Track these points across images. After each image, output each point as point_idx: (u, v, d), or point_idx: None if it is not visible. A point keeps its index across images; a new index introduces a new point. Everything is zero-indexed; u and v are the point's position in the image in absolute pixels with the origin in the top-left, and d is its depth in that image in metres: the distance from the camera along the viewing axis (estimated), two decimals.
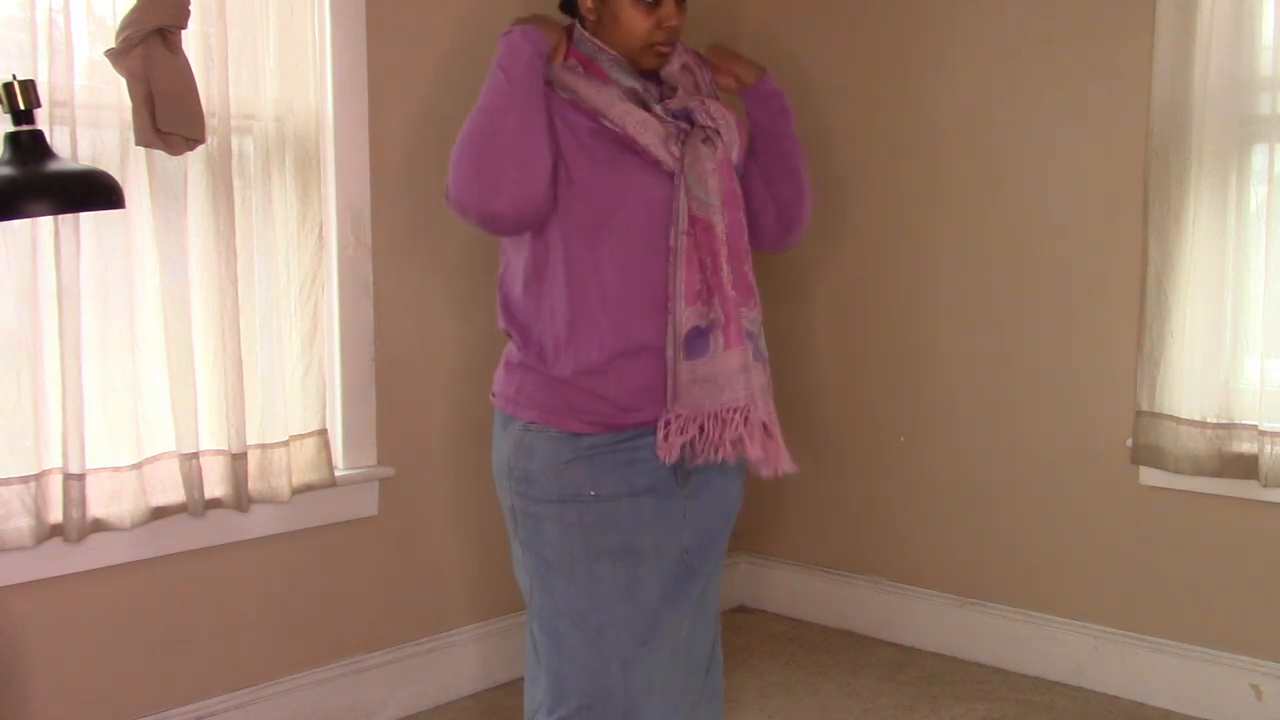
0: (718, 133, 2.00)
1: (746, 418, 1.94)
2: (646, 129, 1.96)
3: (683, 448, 1.95)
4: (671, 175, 1.97)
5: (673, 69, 2.10)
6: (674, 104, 2.02)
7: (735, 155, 2.04)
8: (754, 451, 1.96)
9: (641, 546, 2.00)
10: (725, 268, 1.94)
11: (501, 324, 2.08)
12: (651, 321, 1.97)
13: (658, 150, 1.97)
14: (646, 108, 1.99)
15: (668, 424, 1.95)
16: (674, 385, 1.94)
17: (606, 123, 1.96)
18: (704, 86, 2.12)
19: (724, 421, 1.94)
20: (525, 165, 1.91)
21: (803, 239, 2.26)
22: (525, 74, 1.93)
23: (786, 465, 1.99)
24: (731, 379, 1.93)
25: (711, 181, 1.96)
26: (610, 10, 2.00)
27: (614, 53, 2.02)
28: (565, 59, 2.02)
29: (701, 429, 1.94)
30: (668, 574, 2.03)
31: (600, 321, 1.96)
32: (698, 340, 1.94)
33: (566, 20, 2.09)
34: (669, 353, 1.95)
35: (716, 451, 1.94)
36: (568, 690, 2.00)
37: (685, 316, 1.94)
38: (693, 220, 1.95)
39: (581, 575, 1.99)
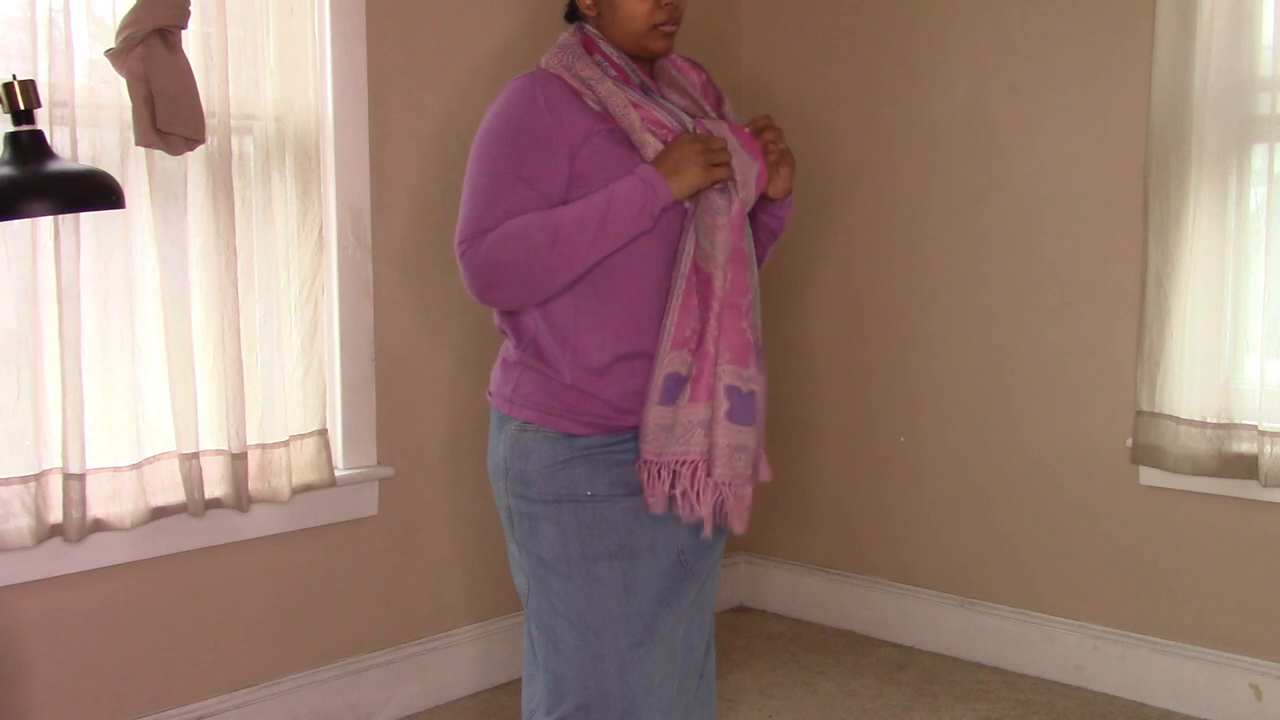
0: (735, 183, 1.96)
1: (694, 473, 1.93)
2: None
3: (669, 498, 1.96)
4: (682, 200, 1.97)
5: (683, 81, 2.08)
6: (706, 128, 1.99)
7: (749, 203, 2.00)
8: (700, 510, 1.94)
9: (638, 547, 1.99)
10: (713, 324, 1.93)
11: (497, 321, 2.08)
12: (653, 328, 1.96)
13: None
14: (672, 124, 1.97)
15: (644, 469, 1.95)
16: (643, 425, 1.94)
17: (633, 137, 1.95)
18: (710, 109, 2.08)
19: (674, 474, 1.94)
20: (550, 293, 1.94)
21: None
22: (626, 234, 1.91)
23: (738, 525, 1.99)
24: (689, 431, 1.92)
25: (720, 236, 1.94)
26: (608, 1, 1.99)
27: (624, 54, 2.00)
28: (591, 55, 2.00)
29: (657, 474, 1.94)
30: (664, 575, 2.03)
31: (602, 324, 1.96)
32: (673, 387, 1.94)
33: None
34: (649, 393, 1.95)
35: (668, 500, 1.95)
36: (565, 690, 2.00)
37: (668, 360, 1.94)
38: (695, 269, 1.94)
39: (578, 576, 1.99)
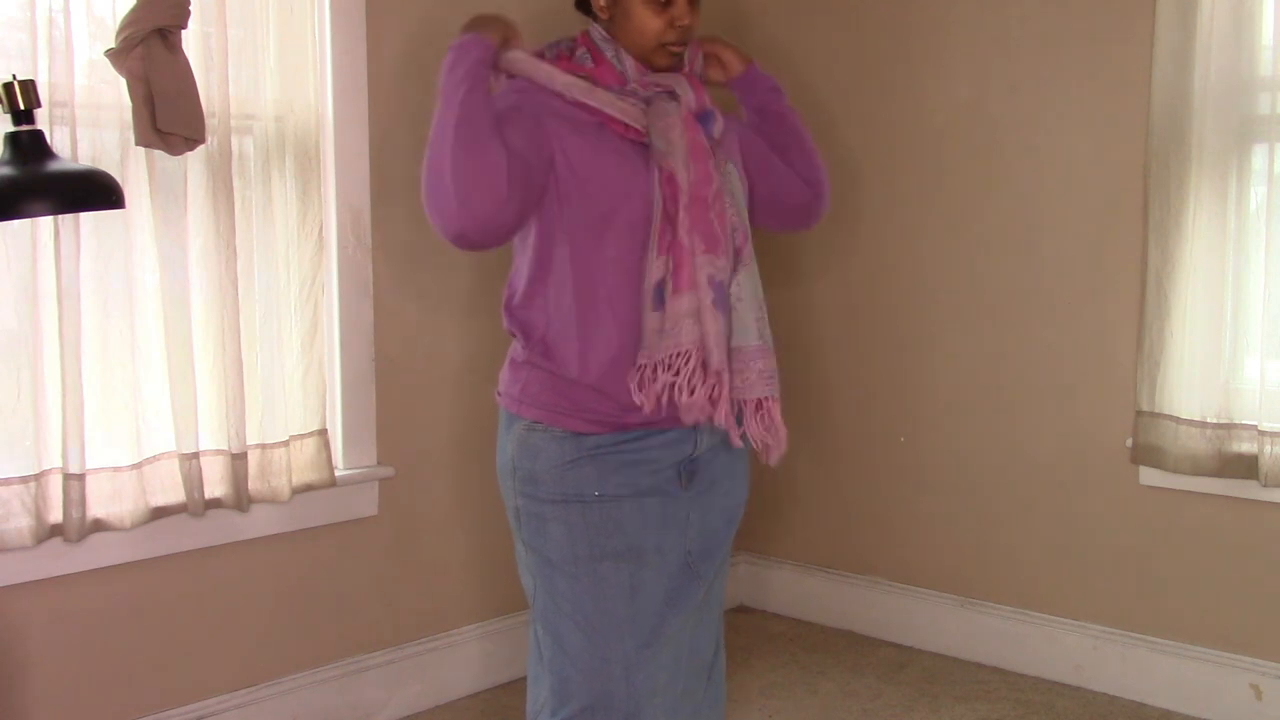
0: (673, 93, 1.99)
1: (688, 362, 1.91)
2: (617, 107, 1.98)
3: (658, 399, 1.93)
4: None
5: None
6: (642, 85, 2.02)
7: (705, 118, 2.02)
8: (685, 400, 1.91)
9: (645, 548, 1.99)
10: (683, 215, 1.93)
11: (506, 323, 2.08)
12: None
13: (632, 119, 1.97)
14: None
15: (640, 371, 1.93)
16: (644, 335, 1.94)
17: (594, 105, 1.97)
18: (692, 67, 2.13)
19: (667, 368, 1.92)
20: (472, 186, 1.87)
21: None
22: (461, 89, 1.90)
23: (773, 449, 1.97)
24: (678, 323, 1.92)
25: (674, 133, 1.95)
26: (622, 9, 2.00)
27: (625, 53, 2.02)
28: (576, 49, 2.03)
29: (652, 374, 1.92)
30: (672, 576, 2.03)
31: (606, 319, 1.96)
32: (659, 290, 1.94)
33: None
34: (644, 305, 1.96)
35: (660, 400, 1.92)
36: (571, 692, 2.00)
37: (655, 268, 1.94)
38: (660, 172, 1.95)
39: (585, 576, 1.98)
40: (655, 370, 1.92)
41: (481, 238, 1.90)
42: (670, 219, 1.94)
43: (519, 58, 2.00)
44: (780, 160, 2.21)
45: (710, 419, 1.95)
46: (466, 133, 1.87)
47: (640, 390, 1.93)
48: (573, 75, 1.99)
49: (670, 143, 1.95)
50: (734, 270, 2.00)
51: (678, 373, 1.91)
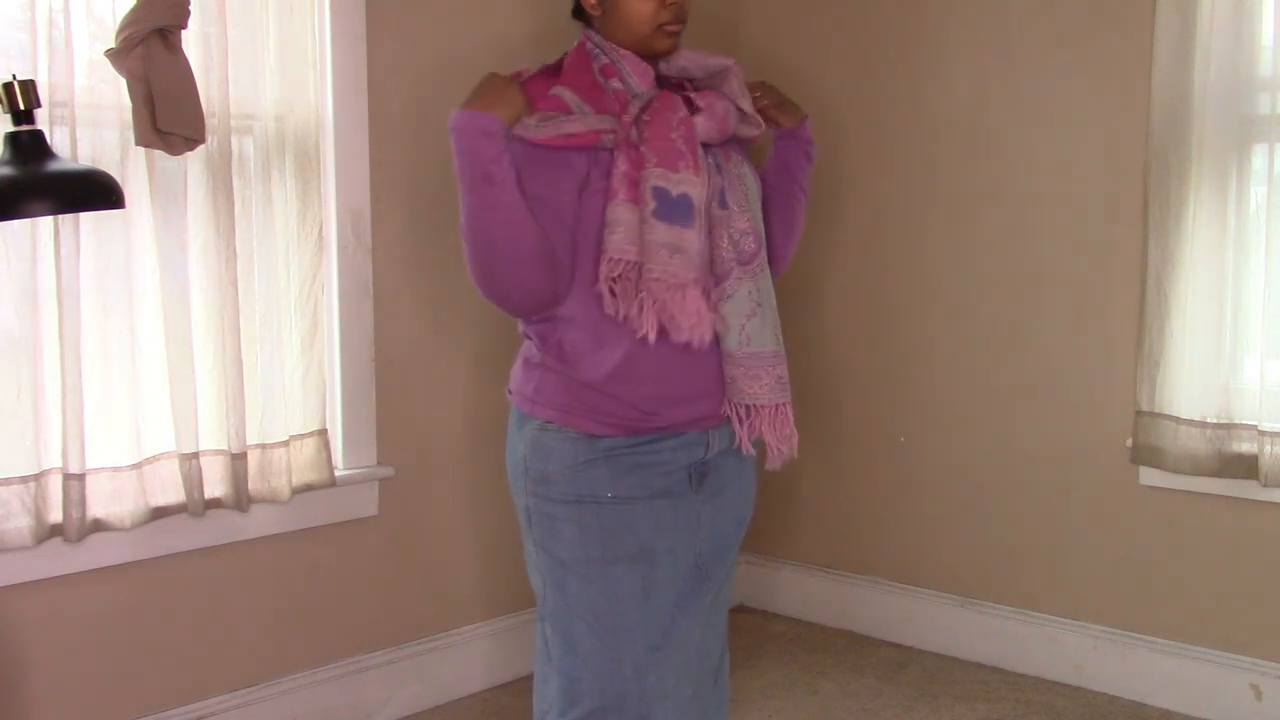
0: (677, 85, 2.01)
1: (625, 270, 1.89)
2: (589, 122, 1.94)
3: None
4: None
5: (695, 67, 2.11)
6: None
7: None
8: (614, 305, 1.90)
9: (656, 550, 1.98)
10: (630, 130, 1.91)
11: (521, 328, 2.07)
12: None
13: (603, 125, 1.94)
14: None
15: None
16: None
17: (576, 132, 1.94)
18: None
19: (599, 280, 1.91)
20: (526, 279, 1.90)
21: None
22: (487, 175, 1.87)
23: (775, 451, 1.98)
24: (613, 229, 1.89)
25: (645, 85, 1.97)
26: (611, 2, 1.98)
27: (625, 51, 2.00)
28: (595, 65, 2.02)
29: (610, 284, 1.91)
30: (683, 578, 2.02)
31: (620, 325, 1.93)
32: None
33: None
34: None
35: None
36: (581, 693, 1.99)
37: None
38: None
39: (597, 578, 1.98)
40: (604, 279, 1.90)
41: (547, 309, 1.97)
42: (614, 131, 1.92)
43: (529, 129, 1.93)
44: (772, 217, 2.19)
45: (664, 332, 1.90)
46: (510, 235, 1.88)
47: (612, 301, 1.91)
48: (546, 113, 1.94)
49: (640, 89, 1.97)
50: (750, 275, 1.98)
51: (618, 277, 1.89)
